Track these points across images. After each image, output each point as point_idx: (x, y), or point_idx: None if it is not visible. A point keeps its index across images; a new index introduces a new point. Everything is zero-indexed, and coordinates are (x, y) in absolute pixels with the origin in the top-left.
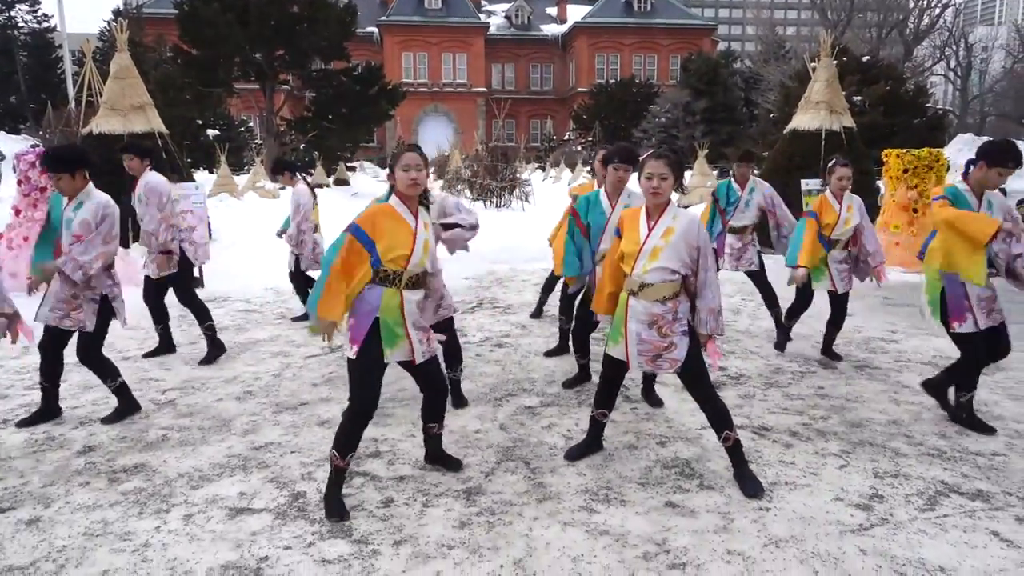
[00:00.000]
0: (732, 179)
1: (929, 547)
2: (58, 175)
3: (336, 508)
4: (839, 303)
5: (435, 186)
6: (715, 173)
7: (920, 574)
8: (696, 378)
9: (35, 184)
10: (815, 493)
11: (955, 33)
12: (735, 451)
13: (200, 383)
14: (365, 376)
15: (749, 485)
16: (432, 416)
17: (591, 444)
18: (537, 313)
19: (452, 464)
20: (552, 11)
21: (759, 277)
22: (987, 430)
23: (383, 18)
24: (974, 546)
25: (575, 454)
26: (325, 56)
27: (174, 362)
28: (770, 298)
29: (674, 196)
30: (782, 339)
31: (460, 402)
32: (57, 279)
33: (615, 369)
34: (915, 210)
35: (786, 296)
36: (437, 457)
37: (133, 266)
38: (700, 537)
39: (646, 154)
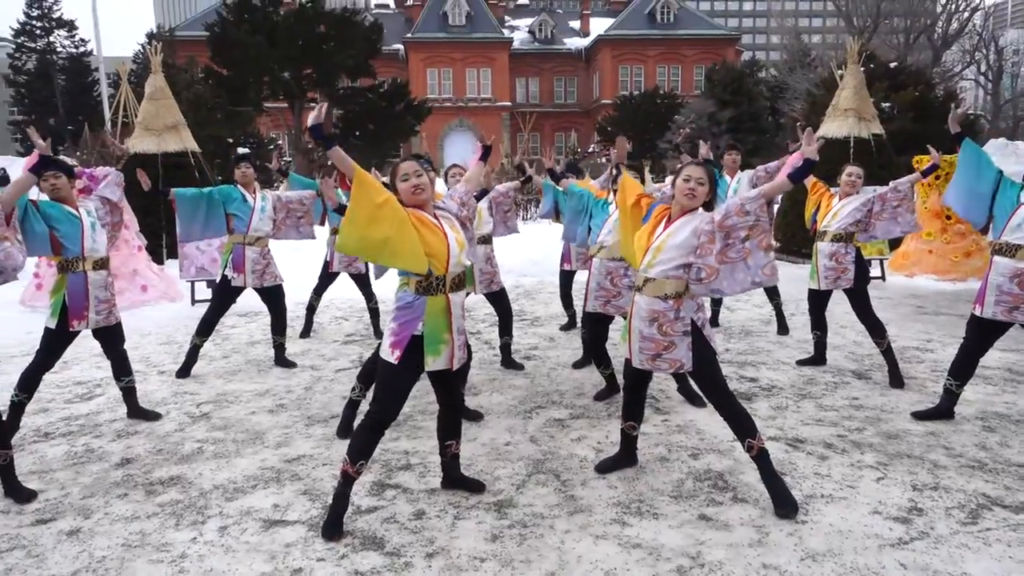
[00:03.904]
0: (723, 169)
1: (972, 562)
2: (59, 177)
3: (333, 526)
4: (820, 302)
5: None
6: None
7: None
8: (709, 383)
9: None
10: (852, 506)
11: (985, 37)
12: (761, 460)
13: (234, 396)
14: (396, 384)
15: (780, 503)
16: (449, 432)
17: (624, 458)
18: (570, 325)
19: (474, 486)
20: (575, 24)
21: None
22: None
23: (408, 35)
24: (1020, 561)
25: (607, 467)
26: (352, 74)
27: (208, 376)
28: (771, 288)
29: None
30: (783, 328)
31: (474, 415)
32: (96, 282)
33: (636, 377)
34: (948, 217)
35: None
36: (457, 480)
37: (168, 280)
38: (735, 551)
39: (688, 160)
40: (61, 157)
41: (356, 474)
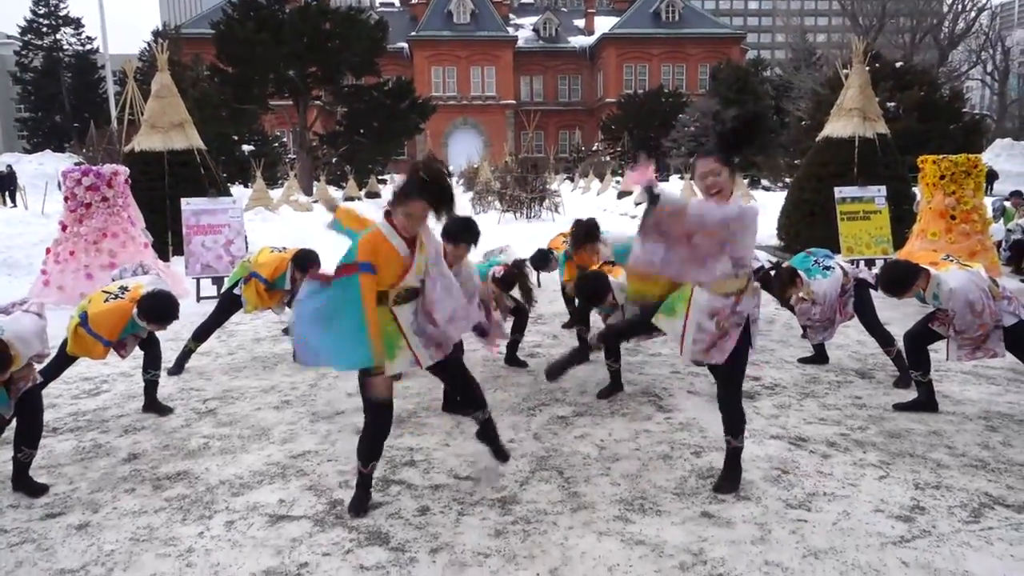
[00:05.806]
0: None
1: (974, 560)
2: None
3: (359, 502)
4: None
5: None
6: (746, 182)
7: None
8: (729, 375)
9: (80, 200)
10: (854, 504)
11: (992, 37)
12: (731, 455)
13: (239, 392)
14: (372, 387)
15: (723, 477)
16: (469, 403)
17: (574, 357)
18: (572, 322)
19: (499, 454)
20: (580, 23)
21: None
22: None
23: (413, 33)
24: (1021, 559)
25: (556, 371)
26: (357, 72)
27: (214, 372)
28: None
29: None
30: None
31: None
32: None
33: (643, 328)
34: (953, 217)
35: None
36: (487, 437)
37: (176, 278)
38: (737, 548)
39: (697, 155)
40: (67, 154)
41: (370, 472)
